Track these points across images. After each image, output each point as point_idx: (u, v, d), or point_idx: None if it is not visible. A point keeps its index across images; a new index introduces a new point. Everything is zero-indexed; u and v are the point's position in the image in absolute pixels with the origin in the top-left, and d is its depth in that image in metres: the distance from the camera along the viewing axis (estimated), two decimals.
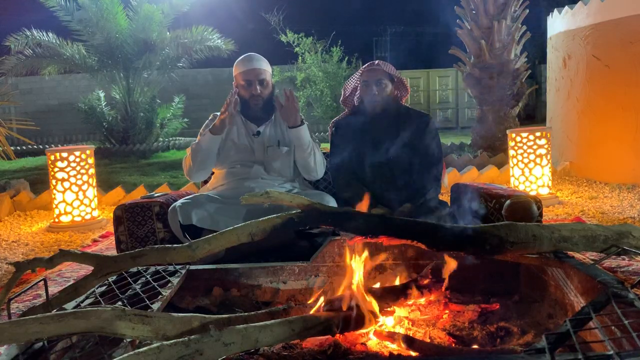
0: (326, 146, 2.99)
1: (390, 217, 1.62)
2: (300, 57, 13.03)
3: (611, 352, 1.00)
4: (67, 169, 4.09)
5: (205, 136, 2.58)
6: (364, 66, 2.68)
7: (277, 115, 2.72)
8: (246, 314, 1.46)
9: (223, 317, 1.37)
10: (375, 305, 1.57)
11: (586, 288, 1.55)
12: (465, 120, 14.09)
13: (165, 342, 1.06)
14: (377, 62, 2.64)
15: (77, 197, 4.14)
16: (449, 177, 4.88)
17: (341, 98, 2.85)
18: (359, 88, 2.70)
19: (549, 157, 4.40)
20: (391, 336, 1.47)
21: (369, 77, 2.61)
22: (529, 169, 4.38)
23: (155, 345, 1.05)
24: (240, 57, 2.70)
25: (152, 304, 1.49)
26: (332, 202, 2.46)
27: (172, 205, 2.42)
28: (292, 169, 2.72)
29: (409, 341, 1.40)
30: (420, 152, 2.61)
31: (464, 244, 1.54)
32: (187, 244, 1.50)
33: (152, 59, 9.99)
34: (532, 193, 4.20)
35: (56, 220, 4.17)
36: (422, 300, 1.83)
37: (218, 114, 2.69)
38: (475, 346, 1.55)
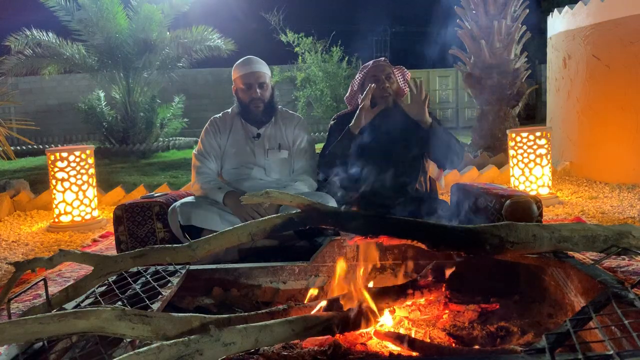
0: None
1: (390, 217, 1.62)
2: (300, 57, 13.03)
3: (611, 352, 1.00)
4: (67, 169, 4.09)
5: (212, 192, 2.50)
6: (369, 62, 2.66)
7: (277, 118, 2.72)
8: (246, 314, 1.46)
9: (223, 317, 1.37)
10: (374, 306, 1.57)
11: (586, 288, 1.55)
12: (465, 120, 14.10)
13: (165, 342, 1.06)
14: (382, 58, 2.64)
15: (77, 197, 4.14)
16: (449, 177, 4.88)
17: (347, 94, 2.79)
18: (366, 84, 2.67)
19: (549, 157, 4.40)
20: (391, 336, 1.47)
21: (377, 72, 2.59)
22: (529, 169, 4.38)
23: (155, 345, 1.05)
24: (239, 61, 2.69)
25: (152, 304, 1.49)
26: (332, 202, 2.45)
27: (172, 206, 2.43)
28: (292, 172, 2.71)
29: (409, 341, 1.40)
30: (414, 146, 2.61)
31: (464, 244, 1.54)
32: (187, 244, 1.50)
33: (152, 59, 10.00)
34: (532, 193, 4.20)
35: (56, 220, 4.17)
36: (422, 300, 1.83)
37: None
38: (475, 346, 1.55)
